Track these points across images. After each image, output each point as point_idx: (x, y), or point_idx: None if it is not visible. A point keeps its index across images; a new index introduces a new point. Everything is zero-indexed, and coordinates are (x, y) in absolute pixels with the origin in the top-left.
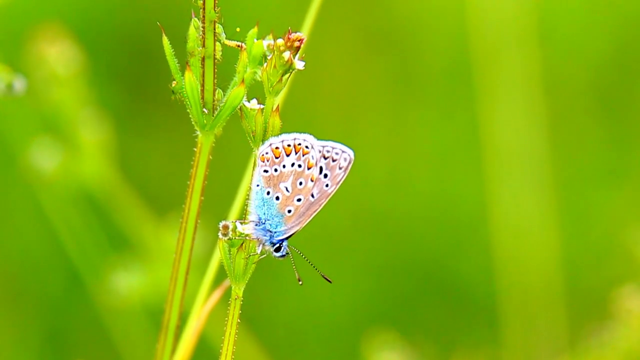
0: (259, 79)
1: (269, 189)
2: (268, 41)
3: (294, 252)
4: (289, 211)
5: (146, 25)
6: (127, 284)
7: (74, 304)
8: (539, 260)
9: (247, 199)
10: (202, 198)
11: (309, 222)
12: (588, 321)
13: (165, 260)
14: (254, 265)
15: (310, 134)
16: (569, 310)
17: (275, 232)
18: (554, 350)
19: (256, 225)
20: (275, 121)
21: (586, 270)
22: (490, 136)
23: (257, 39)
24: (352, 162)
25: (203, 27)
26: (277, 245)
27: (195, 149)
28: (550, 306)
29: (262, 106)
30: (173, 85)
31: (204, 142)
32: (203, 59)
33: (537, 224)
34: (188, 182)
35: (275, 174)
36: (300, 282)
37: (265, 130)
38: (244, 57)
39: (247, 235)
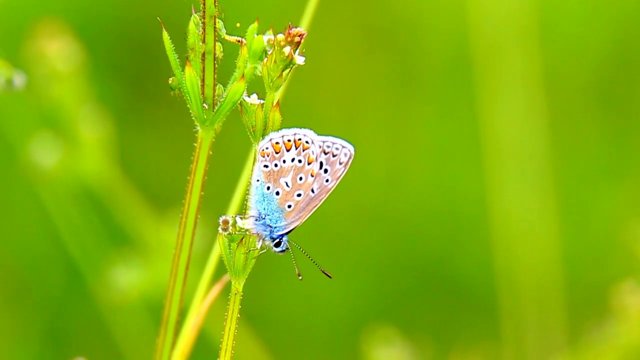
0: (259, 74)
1: (269, 184)
2: (268, 36)
3: (294, 247)
4: (289, 206)
5: (146, 21)
6: (127, 279)
7: (74, 299)
8: (538, 257)
9: (247, 194)
10: (202, 193)
11: (309, 217)
12: (588, 317)
13: (165, 255)
14: (253, 260)
15: (311, 129)
16: (568, 306)
17: (275, 227)
18: (553, 346)
19: (256, 220)
20: (276, 116)
21: (586, 267)
22: (491, 133)
23: (258, 34)
24: (352, 158)
25: (203, 23)
26: (277, 240)
27: (195, 145)
28: (550, 302)
29: (262, 101)
30: (171, 81)
31: (204, 138)
32: (203, 55)
33: (537, 221)
34: (188, 178)
35: (276, 169)
36: (300, 277)
37: (265, 126)
38: (244, 52)
39: (247, 230)
